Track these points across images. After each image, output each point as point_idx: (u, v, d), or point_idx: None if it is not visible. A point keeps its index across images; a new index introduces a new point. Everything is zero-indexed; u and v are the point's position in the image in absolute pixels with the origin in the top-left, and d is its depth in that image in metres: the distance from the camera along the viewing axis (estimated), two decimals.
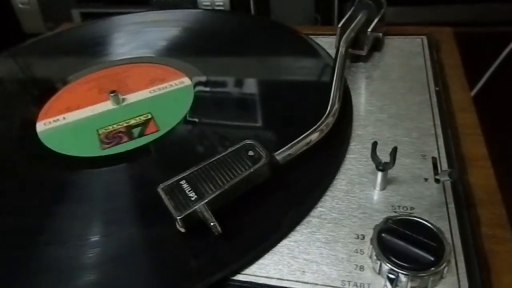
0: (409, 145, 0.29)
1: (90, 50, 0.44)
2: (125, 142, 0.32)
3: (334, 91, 0.31)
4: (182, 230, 0.24)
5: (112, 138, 0.32)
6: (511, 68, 0.73)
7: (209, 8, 0.70)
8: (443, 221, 0.24)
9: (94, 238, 0.25)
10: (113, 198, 0.28)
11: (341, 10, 0.72)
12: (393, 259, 0.21)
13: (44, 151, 0.32)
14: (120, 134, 0.32)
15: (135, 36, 0.46)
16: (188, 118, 0.33)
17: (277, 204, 0.26)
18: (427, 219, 0.22)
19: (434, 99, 0.32)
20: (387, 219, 0.22)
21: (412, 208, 0.25)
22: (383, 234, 0.22)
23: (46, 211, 0.27)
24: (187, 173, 0.25)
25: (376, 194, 0.26)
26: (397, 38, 0.40)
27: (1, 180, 0.31)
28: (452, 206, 0.24)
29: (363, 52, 0.37)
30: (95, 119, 0.35)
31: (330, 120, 0.29)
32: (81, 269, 0.24)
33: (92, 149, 0.32)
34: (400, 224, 0.22)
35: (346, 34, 0.35)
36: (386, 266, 0.21)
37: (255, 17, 0.61)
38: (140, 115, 0.34)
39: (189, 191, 0.24)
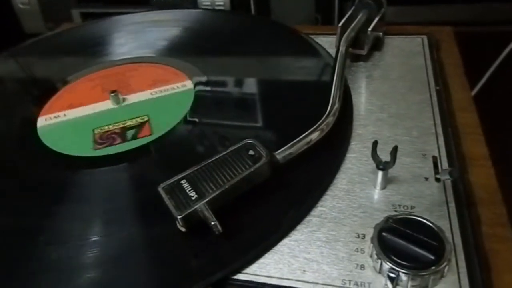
0: (409, 144, 0.29)
1: (90, 50, 0.44)
2: (118, 143, 0.32)
3: (334, 91, 0.31)
4: (183, 229, 0.24)
5: (106, 139, 0.32)
6: (511, 68, 0.73)
7: (209, 8, 0.70)
8: (443, 220, 0.24)
9: (94, 238, 0.25)
10: (112, 198, 0.28)
11: (342, 10, 0.72)
12: (394, 258, 0.21)
13: (41, 148, 0.32)
14: (114, 135, 0.32)
15: (136, 35, 0.46)
16: (188, 118, 0.33)
17: (278, 203, 0.26)
18: (427, 218, 0.22)
19: (435, 98, 0.32)
20: (387, 218, 0.22)
21: (412, 207, 0.25)
22: (383, 233, 0.22)
23: (43, 210, 0.27)
24: (187, 173, 0.25)
25: (377, 193, 0.26)
26: (397, 37, 0.40)
27: None
28: (452, 205, 0.24)
29: (364, 52, 0.37)
30: (93, 118, 0.35)
31: (331, 119, 0.29)
32: (81, 269, 0.24)
33: (84, 148, 0.32)
34: (400, 223, 0.22)
35: (346, 34, 0.35)
36: (387, 265, 0.21)
37: (256, 17, 0.61)
38: (138, 117, 0.34)
39: (189, 190, 0.24)
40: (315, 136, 0.27)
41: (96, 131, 0.33)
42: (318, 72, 0.37)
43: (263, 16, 0.68)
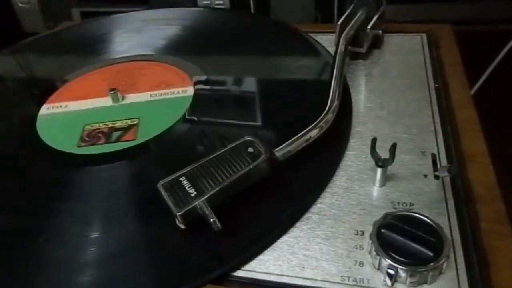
0: (408, 141, 0.29)
1: (91, 48, 0.44)
2: (101, 144, 0.32)
3: (333, 88, 0.31)
4: (182, 226, 0.24)
5: (92, 137, 0.32)
6: (511, 67, 0.73)
7: (209, 6, 0.70)
8: (442, 217, 0.24)
9: (94, 235, 0.25)
10: (108, 196, 0.28)
11: (341, 8, 0.72)
12: (393, 254, 0.21)
13: (34, 140, 0.33)
14: (100, 135, 0.32)
15: (136, 34, 0.46)
16: (187, 117, 0.33)
17: (277, 200, 0.26)
18: (426, 215, 0.22)
19: (434, 96, 0.32)
20: (386, 215, 0.22)
21: (411, 204, 0.25)
22: (382, 230, 0.22)
23: (38, 206, 0.28)
24: (186, 170, 0.25)
25: (376, 190, 0.26)
26: (396, 35, 0.40)
27: None
28: (451, 202, 0.24)
29: (363, 50, 0.37)
30: (89, 113, 0.35)
31: (330, 116, 0.29)
32: (81, 267, 0.24)
33: (70, 144, 0.32)
34: (399, 219, 0.22)
35: (345, 32, 0.35)
36: (386, 262, 0.21)
37: (255, 16, 0.61)
38: (129, 119, 0.34)
39: (189, 187, 0.24)
40: (314, 133, 0.27)
41: (86, 128, 0.33)
42: (317, 70, 0.37)
43: (263, 14, 0.68)
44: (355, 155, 0.28)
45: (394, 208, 0.25)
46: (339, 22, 0.37)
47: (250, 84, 0.37)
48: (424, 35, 0.39)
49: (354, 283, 0.21)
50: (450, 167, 0.24)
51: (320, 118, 0.28)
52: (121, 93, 0.36)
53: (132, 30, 0.46)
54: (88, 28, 0.48)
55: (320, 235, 0.24)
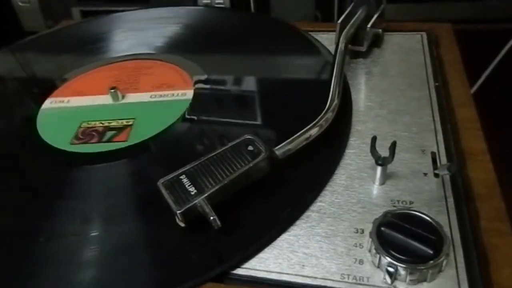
0: (408, 140, 0.29)
1: (92, 47, 0.44)
2: (93, 143, 0.32)
3: (333, 87, 0.31)
4: (182, 224, 0.24)
5: (85, 135, 0.32)
6: (511, 66, 0.73)
7: (209, 5, 0.70)
8: (442, 215, 0.24)
9: (94, 234, 0.25)
10: (107, 195, 0.28)
11: (341, 7, 0.72)
12: (392, 252, 0.21)
13: (36, 142, 0.33)
14: (94, 133, 0.32)
15: (138, 33, 0.46)
16: (186, 116, 0.33)
17: (277, 198, 0.26)
18: (426, 213, 0.22)
19: (434, 95, 0.32)
20: (386, 213, 0.22)
21: (411, 203, 0.25)
22: (382, 228, 0.22)
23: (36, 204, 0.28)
24: (187, 168, 0.25)
25: (376, 188, 0.26)
26: (396, 34, 0.40)
27: None
28: (451, 200, 0.24)
29: (363, 48, 0.37)
30: (89, 110, 0.35)
31: (330, 115, 0.29)
32: (82, 264, 0.24)
33: (64, 141, 0.32)
34: (399, 217, 0.22)
35: (345, 30, 0.35)
36: (385, 260, 0.21)
37: (255, 14, 0.61)
38: (125, 119, 0.34)
39: (189, 185, 0.24)
40: (314, 132, 0.27)
41: (82, 125, 0.33)
42: (317, 69, 0.37)
43: (263, 13, 0.68)
44: (355, 154, 0.28)
45: (394, 206, 0.25)
46: (339, 21, 0.37)
47: (250, 83, 0.37)
48: (424, 34, 0.39)
49: (354, 281, 0.21)
50: (450, 165, 0.24)
51: (320, 117, 0.28)
52: (123, 92, 0.36)
53: (132, 29, 0.46)
54: (88, 27, 0.48)
55: (320, 233, 0.24)
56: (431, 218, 0.22)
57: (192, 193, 0.24)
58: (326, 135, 0.28)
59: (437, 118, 0.30)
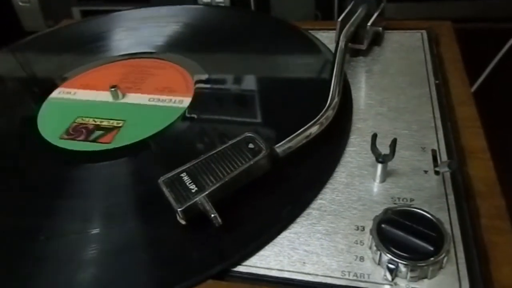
0: (408, 138, 0.29)
1: (92, 46, 0.44)
2: (79, 140, 0.32)
3: (334, 85, 0.31)
4: (183, 222, 0.24)
5: (75, 131, 0.32)
6: (511, 65, 0.72)
7: (209, 4, 0.70)
8: (442, 212, 0.24)
9: (94, 232, 0.25)
10: (107, 194, 0.28)
11: (341, 7, 0.72)
12: (393, 249, 0.21)
13: (36, 141, 0.33)
14: (84, 130, 0.32)
15: (140, 32, 0.46)
16: (186, 115, 0.33)
17: (277, 196, 0.26)
18: (426, 210, 0.22)
19: (434, 93, 0.32)
20: (386, 210, 0.22)
21: (411, 200, 0.25)
22: (382, 225, 0.22)
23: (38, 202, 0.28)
24: (187, 166, 0.25)
25: (376, 186, 0.26)
26: (397, 32, 0.40)
27: None
28: (451, 197, 0.24)
29: (363, 47, 0.37)
30: (87, 105, 0.36)
31: (330, 113, 0.29)
32: (82, 262, 0.24)
33: (55, 134, 0.32)
34: (399, 214, 0.22)
35: (346, 29, 0.35)
36: (386, 256, 0.21)
37: (255, 13, 0.61)
38: (117, 120, 0.33)
39: (189, 183, 0.24)
40: (314, 129, 0.27)
41: (77, 120, 0.34)
42: (317, 67, 0.37)
43: (263, 12, 0.68)
44: (356, 151, 0.29)
45: (395, 203, 0.25)
46: (340, 19, 0.37)
47: (250, 82, 0.37)
48: (424, 32, 0.39)
49: (355, 278, 0.21)
50: (450, 162, 0.24)
51: (320, 115, 0.28)
52: (125, 91, 0.36)
53: (132, 28, 0.46)
54: (89, 26, 0.48)
55: (320, 231, 0.24)
56: (431, 215, 0.22)
57: (193, 190, 0.24)
58: (326, 133, 0.28)
59: (438, 116, 0.30)
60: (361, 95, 0.33)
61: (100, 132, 0.32)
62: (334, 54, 0.33)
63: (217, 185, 0.24)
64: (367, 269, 0.22)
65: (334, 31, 0.38)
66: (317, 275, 0.22)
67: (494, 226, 0.23)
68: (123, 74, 0.39)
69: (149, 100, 0.36)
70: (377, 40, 0.39)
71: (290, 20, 0.44)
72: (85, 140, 0.32)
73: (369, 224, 0.23)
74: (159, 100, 0.35)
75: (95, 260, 0.24)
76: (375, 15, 0.37)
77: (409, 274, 0.21)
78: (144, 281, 0.23)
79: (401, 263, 0.20)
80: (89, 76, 0.39)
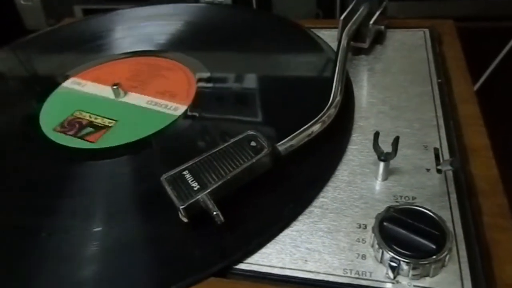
0: (411, 136, 0.29)
1: (92, 44, 0.44)
2: (69, 135, 0.32)
3: (336, 84, 0.31)
4: (185, 220, 0.24)
5: (69, 125, 0.33)
6: None
7: (210, 2, 0.70)
8: (445, 210, 0.24)
9: (97, 229, 0.25)
10: (107, 192, 0.28)
11: (343, 5, 0.72)
12: (395, 247, 0.21)
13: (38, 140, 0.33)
14: (77, 125, 0.32)
15: (137, 30, 0.46)
16: (188, 113, 0.33)
17: (279, 194, 0.26)
18: (429, 208, 0.22)
19: (436, 91, 0.32)
20: (388, 208, 0.22)
21: (414, 198, 0.25)
22: (384, 223, 0.22)
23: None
24: (189, 164, 0.25)
25: (378, 184, 0.26)
26: (399, 31, 0.40)
27: None
28: (454, 195, 0.24)
29: (365, 45, 0.37)
30: (89, 99, 0.36)
31: (332, 111, 0.29)
32: (83, 260, 0.24)
33: (51, 125, 0.33)
34: (402, 212, 0.22)
35: (348, 27, 0.35)
36: (388, 254, 0.21)
37: (257, 11, 0.61)
38: (110, 118, 0.33)
39: (192, 181, 0.24)
40: (316, 128, 0.27)
41: (75, 113, 0.34)
42: (320, 66, 0.37)
43: (265, 10, 0.68)
44: (357, 150, 0.28)
45: (397, 201, 0.25)
46: (342, 17, 0.37)
47: (252, 80, 0.37)
48: (427, 31, 0.39)
49: (357, 275, 0.21)
50: (452, 160, 0.24)
51: (322, 113, 0.28)
52: (129, 90, 0.37)
53: (132, 27, 0.46)
54: (90, 25, 0.48)
55: (322, 229, 0.24)
56: (433, 213, 0.22)
57: (195, 188, 0.24)
58: (328, 131, 0.28)
59: (440, 114, 0.30)
60: (363, 93, 0.33)
61: (91, 129, 0.32)
62: (336, 53, 0.33)
63: (219, 183, 0.24)
64: (369, 267, 0.22)
65: (336, 29, 0.38)
66: (319, 273, 0.22)
67: (497, 224, 0.23)
68: (136, 71, 0.39)
69: (147, 102, 0.35)
70: (379, 38, 0.39)
71: (291, 18, 0.44)
72: (74, 135, 0.32)
73: (371, 222, 0.23)
74: (156, 104, 0.35)
75: (97, 257, 0.24)
76: (377, 13, 0.37)
77: (411, 272, 0.21)
78: (146, 278, 0.23)
79: (403, 261, 0.20)
80: (103, 69, 0.40)
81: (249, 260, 0.23)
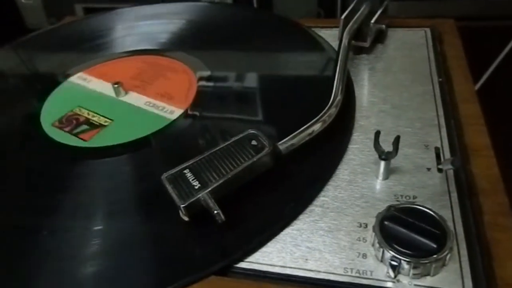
0: (412, 135, 0.29)
1: (89, 44, 0.44)
2: (65, 131, 0.32)
3: (337, 83, 0.31)
4: (186, 218, 0.24)
5: (68, 121, 0.33)
6: None
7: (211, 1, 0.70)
8: (445, 209, 0.24)
9: (97, 228, 0.25)
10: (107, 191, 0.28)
11: (344, 5, 0.72)
12: (396, 246, 0.21)
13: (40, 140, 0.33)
14: (74, 121, 0.32)
15: (137, 29, 0.46)
16: (189, 112, 0.33)
17: (280, 193, 0.26)
18: (429, 207, 0.22)
19: (437, 90, 0.32)
20: (389, 207, 0.22)
21: (414, 197, 0.25)
22: (385, 222, 0.22)
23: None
24: (190, 162, 0.25)
25: (379, 183, 0.26)
26: (400, 30, 0.40)
27: None
28: (454, 195, 0.24)
29: (366, 44, 0.37)
30: (91, 96, 0.36)
31: (333, 110, 0.29)
32: (84, 259, 0.24)
33: (49, 120, 0.33)
34: (402, 211, 0.22)
35: (349, 26, 0.35)
36: (389, 253, 0.21)
37: (258, 10, 0.61)
38: (107, 117, 0.33)
39: (192, 180, 0.24)
40: (317, 127, 0.27)
41: (75, 109, 0.34)
42: (320, 65, 0.37)
43: (265, 9, 0.68)
44: (358, 149, 0.28)
45: (397, 201, 0.25)
46: (343, 17, 0.37)
47: (253, 79, 0.37)
48: (428, 30, 0.39)
49: (357, 274, 0.21)
50: (453, 159, 0.24)
51: (323, 112, 0.28)
52: (130, 89, 0.36)
53: (133, 26, 0.46)
54: (90, 24, 0.48)
55: (323, 228, 0.24)
56: (434, 212, 0.22)
57: (196, 187, 0.24)
58: (329, 130, 0.28)
59: (441, 113, 0.30)
60: (364, 92, 0.33)
61: (86, 127, 0.32)
62: (338, 52, 0.33)
63: (220, 181, 0.24)
64: (369, 266, 0.22)
65: (337, 29, 0.38)
66: (319, 271, 0.22)
67: (497, 223, 0.23)
68: (140, 70, 0.39)
69: (145, 103, 0.35)
70: (380, 37, 0.39)
71: (292, 18, 0.44)
72: (70, 131, 0.32)
73: (372, 222, 0.23)
74: (153, 105, 0.34)
75: (98, 254, 0.24)
76: (378, 12, 0.37)
77: (411, 271, 0.21)
78: (146, 276, 0.23)
79: (403, 260, 0.20)
80: (109, 66, 0.40)
81: (250, 258, 0.23)
